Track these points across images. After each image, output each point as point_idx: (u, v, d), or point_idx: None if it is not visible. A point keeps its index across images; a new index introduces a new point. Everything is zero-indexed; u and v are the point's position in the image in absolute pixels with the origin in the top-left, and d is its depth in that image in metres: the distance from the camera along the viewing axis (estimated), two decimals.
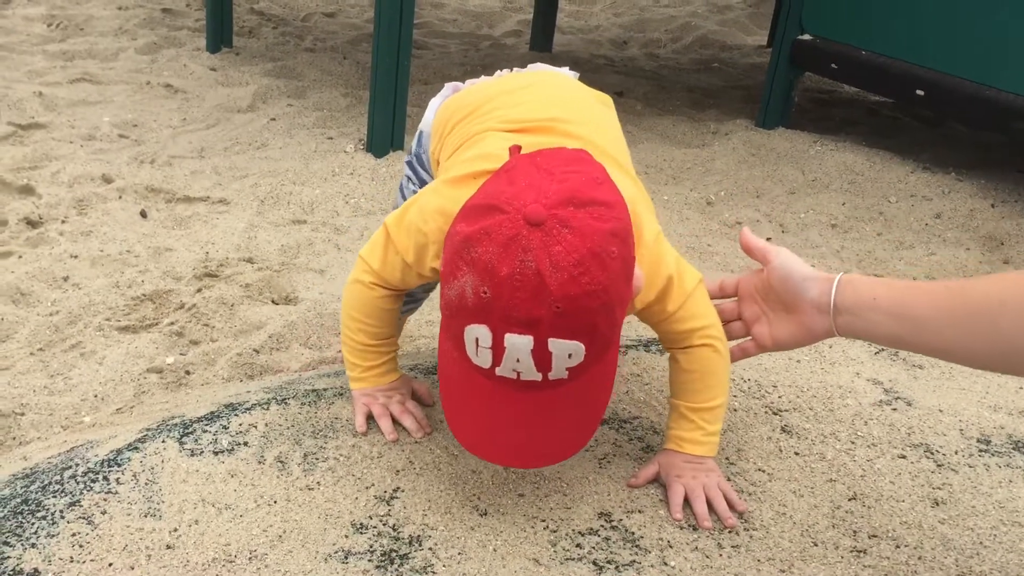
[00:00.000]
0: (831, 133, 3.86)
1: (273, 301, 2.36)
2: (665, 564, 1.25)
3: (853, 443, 1.51)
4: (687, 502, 1.34)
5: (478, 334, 1.12)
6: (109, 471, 1.33)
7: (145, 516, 1.25)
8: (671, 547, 1.28)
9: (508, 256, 1.07)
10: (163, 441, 1.40)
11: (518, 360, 1.11)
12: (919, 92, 3.45)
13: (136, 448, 1.38)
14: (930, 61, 3.43)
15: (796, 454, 1.47)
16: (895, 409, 1.61)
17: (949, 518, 1.37)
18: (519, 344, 1.09)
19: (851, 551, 1.29)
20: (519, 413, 1.17)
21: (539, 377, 1.13)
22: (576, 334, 1.09)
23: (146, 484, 1.31)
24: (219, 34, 4.35)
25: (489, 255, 1.08)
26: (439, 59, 4.58)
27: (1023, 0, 3.16)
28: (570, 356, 1.10)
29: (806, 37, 3.81)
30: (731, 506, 1.34)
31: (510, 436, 1.19)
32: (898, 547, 1.31)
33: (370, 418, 1.45)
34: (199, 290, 2.36)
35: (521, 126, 1.38)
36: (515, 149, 1.20)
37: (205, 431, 1.42)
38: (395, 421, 1.44)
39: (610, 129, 1.48)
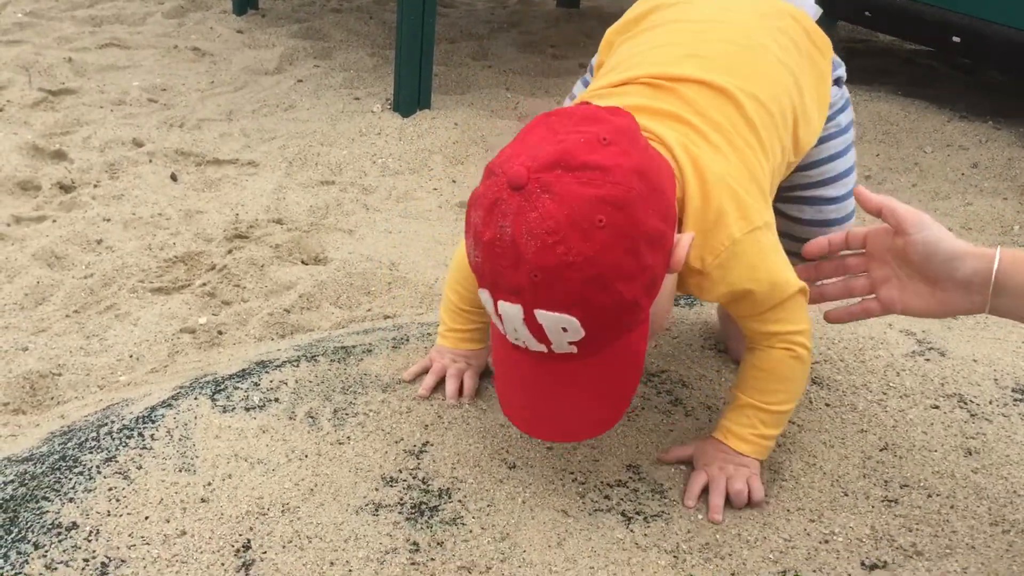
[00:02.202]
0: (865, 83, 3.79)
1: (303, 261, 2.37)
2: (693, 515, 1.25)
3: (885, 394, 1.49)
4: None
5: (485, 298, 1.09)
6: (144, 427, 1.36)
7: (179, 471, 1.27)
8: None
9: (491, 221, 1.03)
10: (196, 398, 1.42)
11: (516, 329, 1.07)
12: (955, 39, 3.37)
13: (170, 405, 1.41)
14: (966, 6, 3.34)
15: (827, 405, 1.46)
16: (928, 360, 1.59)
17: (982, 467, 1.36)
18: (511, 313, 1.05)
19: (882, 500, 1.29)
20: (532, 383, 1.14)
21: (544, 349, 1.07)
22: (562, 307, 1.02)
23: (180, 440, 1.33)
24: None
25: (477, 219, 1.05)
26: (465, 17, 4.54)
27: None
28: (565, 330, 1.04)
29: None
30: (750, 502, 1.26)
31: (525, 405, 1.16)
32: (930, 496, 1.30)
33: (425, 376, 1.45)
34: (230, 251, 2.38)
35: (646, 80, 1.26)
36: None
37: (237, 388, 1.44)
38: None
39: (757, 96, 1.26)
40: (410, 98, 3.22)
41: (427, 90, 3.25)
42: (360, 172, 2.91)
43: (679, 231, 1.15)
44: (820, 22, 1.42)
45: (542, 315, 1.03)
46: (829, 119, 1.38)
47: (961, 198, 2.93)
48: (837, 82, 1.40)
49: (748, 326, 1.26)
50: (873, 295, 1.25)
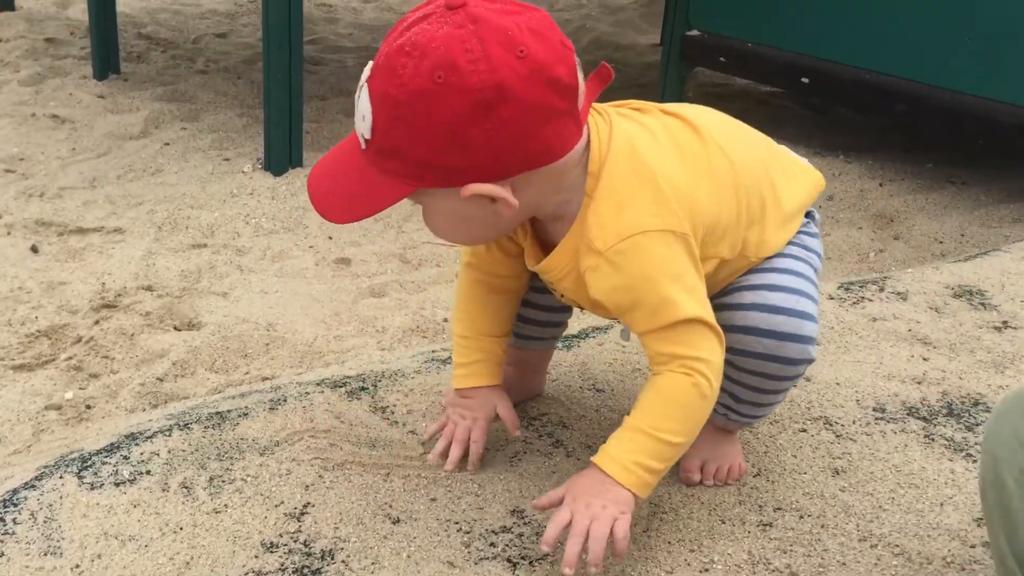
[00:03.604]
0: None
1: (175, 328, 2.31)
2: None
3: None
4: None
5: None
6: (5, 512, 1.29)
7: (45, 554, 1.21)
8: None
9: (422, 7, 1.09)
10: (61, 477, 1.36)
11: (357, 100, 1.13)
12: (804, 80, 3.56)
13: (33, 486, 1.34)
14: (813, 49, 3.54)
15: None
16: (795, 385, 1.65)
17: (849, 486, 1.41)
18: (364, 72, 1.11)
19: (757, 525, 1.33)
20: (336, 149, 1.17)
21: (356, 123, 1.12)
22: (374, 94, 1.07)
23: (45, 522, 1.27)
24: (105, 60, 4.24)
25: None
26: (336, 74, 4.55)
27: None
28: (363, 118, 1.09)
29: (694, 33, 3.90)
30: (615, 551, 1.17)
31: (321, 161, 1.18)
32: (802, 517, 1.34)
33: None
34: (97, 322, 2.29)
35: (638, 105, 1.27)
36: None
37: (105, 463, 1.39)
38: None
39: (727, 152, 1.25)
40: (281, 157, 3.20)
41: (298, 148, 3.24)
42: (233, 233, 2.86)
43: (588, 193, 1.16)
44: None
45: (364, 91, 1.09)
46: None
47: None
48: (808, 214, 1.38)
49: (648, 344, 1.20)
50: None
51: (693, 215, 1.18)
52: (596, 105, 1.20)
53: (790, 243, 1.32)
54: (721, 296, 1.29)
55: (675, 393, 1.19)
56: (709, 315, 1.19)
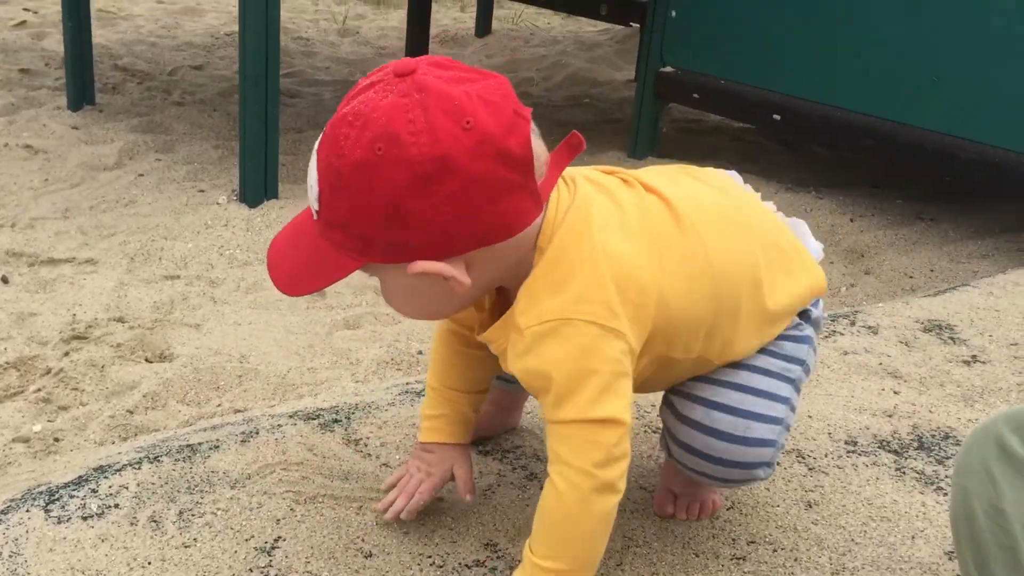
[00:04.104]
0: (699, 160, 3.99)
1: (147, 359, 2.29)
2: None
3: None
4: None
5: None
6: None
7: None
8: None
9: (372, 75, 1.05)
10: (27, 511, 1.34)
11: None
12: (776, 117, 3.61)
13: None
14: (783, 87, 3.59)
15: None
16: None
17: (822, 519, 1.42)
18: (317, 141, 1.07)
19: (731, 559, 1.33)
20: (295, 219, 1.13)
21: (309, 195, 1.08)
22: (319, 164, 1.03)
23: (10, 557, 1.25)
24: (80, 91, 4.23)
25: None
26: (312, 107, 4.57)
27: (862, 25, 3.35)
28: (311, 188, 1.05)
29: (668, 69, 3.95)
30: None
31: (279, 235, 1.14)
32: (775, 551, 1.35)
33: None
34: (66, 354, 2.27)
35: (625, 176, 1.19)
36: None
37: (72, 496, 1.37)
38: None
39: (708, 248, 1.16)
40: (256, 188, 3.20)
41: (274, 180, 3.24)
42: (207, 265, 2.85)
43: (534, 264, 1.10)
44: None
45: (313, 161, 1.05)
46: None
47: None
48: (804, 314, 1.27)
49: (547, 436, 1.13)
50: None
51: (643, 305, 1.09)
52: (568, 172, 1.12)
53: (765, 350, 1.21)
54: (672, 394, 1.24)
55: (545, 509, 1.11)
56: (621, 417, 1.08)
